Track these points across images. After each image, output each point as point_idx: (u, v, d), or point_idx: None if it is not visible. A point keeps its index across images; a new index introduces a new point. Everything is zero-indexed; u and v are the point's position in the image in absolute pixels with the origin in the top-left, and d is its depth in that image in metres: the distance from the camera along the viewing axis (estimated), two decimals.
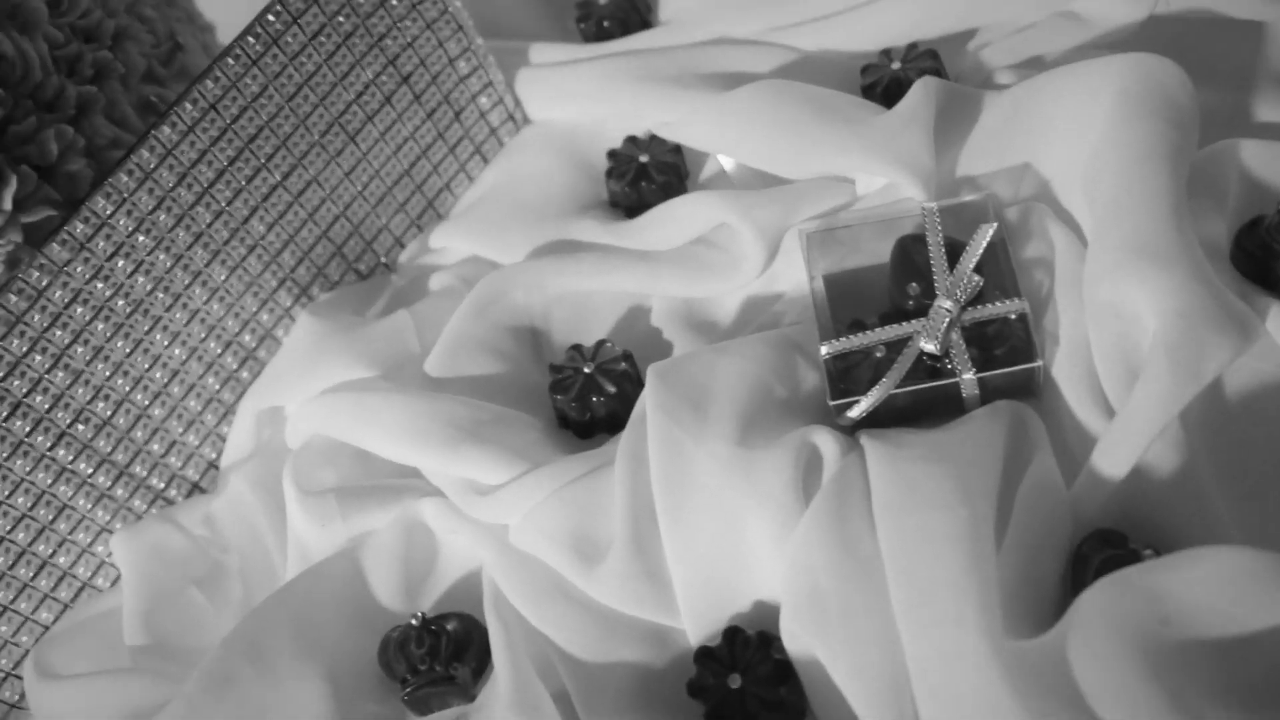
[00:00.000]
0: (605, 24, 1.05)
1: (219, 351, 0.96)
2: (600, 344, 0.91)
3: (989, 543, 0.73)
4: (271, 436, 0.98)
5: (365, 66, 0.95)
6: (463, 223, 1.02)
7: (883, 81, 0.95)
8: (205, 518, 0.96)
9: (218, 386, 0.97)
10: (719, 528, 0.80)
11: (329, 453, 0.92)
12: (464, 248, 1.01)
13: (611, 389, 0.89)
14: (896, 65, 0.95)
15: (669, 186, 0.97)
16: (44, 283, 0.86)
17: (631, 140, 0.99)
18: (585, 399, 0.89)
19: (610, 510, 0.83)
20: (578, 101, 1.02)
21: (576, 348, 0.91)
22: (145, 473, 0.96)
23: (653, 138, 0.99)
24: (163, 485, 0.97)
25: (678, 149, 0.98)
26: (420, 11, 0.96)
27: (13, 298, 0.85)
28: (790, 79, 0.96)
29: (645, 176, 0.97)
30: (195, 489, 0.99)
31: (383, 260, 1.03)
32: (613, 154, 0.99)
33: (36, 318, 0.86)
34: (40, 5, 0.90)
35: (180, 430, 0.96)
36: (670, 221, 0.93)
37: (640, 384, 0.91)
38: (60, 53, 0.92)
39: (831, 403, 0.82)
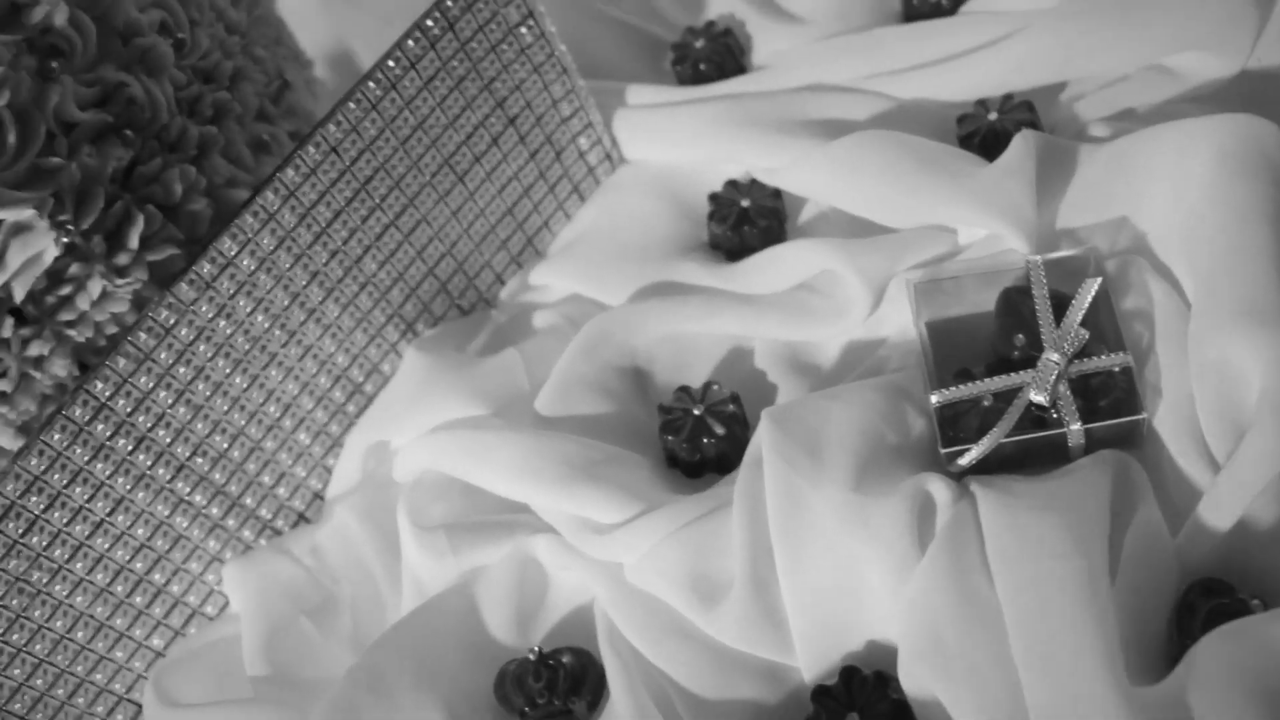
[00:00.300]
0: (701, 67, 1.08)
1: (328, 386, 0.99)
2: (708, 386, 0.94)
3: (1106, 591, 0.76)
4: (376, 469, 1.01)
5: (475, 109, 0.98)
6: (564, 261, 1.04)
7: (980, 132, 0.98)
8: (312, 548, 0.99)
9: (325, 419, 1.00)
10: (835, 571, 0.83)
11: (440, 488, 0.95)
12: (565, 286, 1.04)
13: (721, 431, 0.92)
14: (993, 116, 0.98)
15: (770, 230, 1.00)
16: (171, 321, 0.89)
17: (732, 184, 1.01)
18: (696, 440, 0.92)
19: (727, 551, 0.86)
20: (676, 144, 1.05)
21: (685, 389, 0.94)
22: (255, 504, 0.98)
23: (753, 182, 1.01)
24: (270, 516, 1.00)
25: (777, 193, 1.01)
26: (529, 55, 0.99)
27: (142, 335, 0.88)
28: (888, 127, 0.99)
29: (747, 220, 1.00)
30: (301, 519, 1.02)
31: (484, 296, 1.06)
32: (714, 197, 1.01)
33: (163, 355, 0.89)
34: (168, 49, 0.92)
35: (289, 462, 0.99)
36: (775, 266, 0.96)
37: (747, 425, 0.94)
38: (182, 94, 0.94)
39: (943, 450, 0.85)
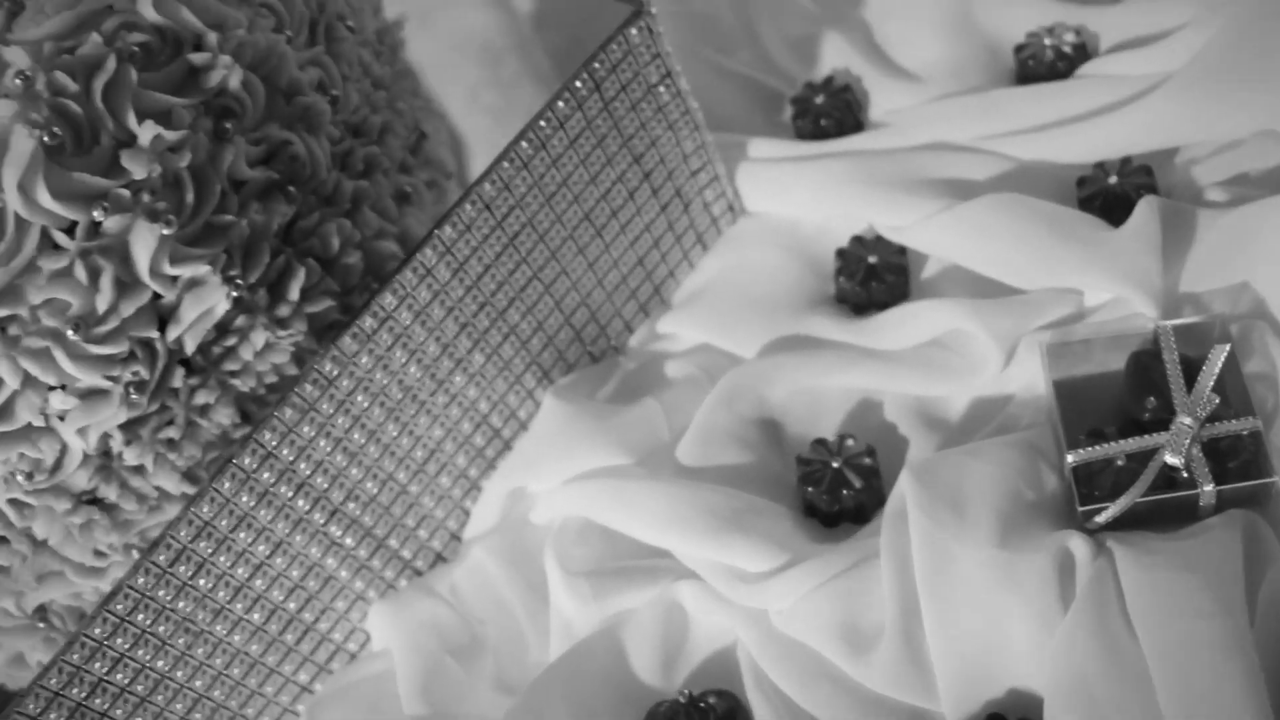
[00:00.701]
0: (822, 122, 1.12)
1: (469, 431, 1.02)
2: (843, 439, 0.98)
3: (1251, 650, 0.81)
4: (511, 510, 1.05)
5: (614, 165, 1.02)
6: (692, 311, 1.08)
7: (1100, 195, 1.02)
8: (451, 587, 1.03)
9: (465, 464, 1.03)
10: (980, 622, 0.87)
11: (583, 533, 0.99)
12: (694, 335, 1.07)
13: (859, 484, 0.96)
14: (1113, 180, 1.02)
15: (897, 286, 1.04)
16: (335, 373, 0.92)
17: (858, 240, 1.05)
18: (835, 491, 0.96)
19: (874, 602, 0.90)
20: (802, 198, 1.08)
21: (821, 442, 0.98)
22: (398, 545, 1.02)
23: (878, 238, 1.05)
24: (410, 556, 1.04)
25: (903, 250, 1.05)
26: (665, 113, 1.03)
27: (308, 387, 0.91)
28: (1008, 188, 1.03)
29: (875, 276, 1.04)
30: (438, 559, 1.05)
31: (613, 343, 1.10)
32: (841, 253, 1.05)
33: (325, 406, 0.93)
34: (325, 107, 0.95)
35: (431, 505, 1.03)
36: (907, 323, 1.00)
37: (881, 477, 0.98)
38: (336, 149, 0.98)
39: (1081, 509, 0.90)
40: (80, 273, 0.84)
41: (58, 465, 0.91)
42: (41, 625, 0.99)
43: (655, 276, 1.10)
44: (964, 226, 1.00)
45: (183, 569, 0.91)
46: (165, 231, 0.85)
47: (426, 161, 1.08)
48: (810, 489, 0.97)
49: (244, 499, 0.92)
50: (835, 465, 0.97)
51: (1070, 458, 0.91)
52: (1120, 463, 0.91)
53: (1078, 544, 0.88)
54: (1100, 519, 0.90)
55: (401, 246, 1.02)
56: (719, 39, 1.19)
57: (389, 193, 1.02)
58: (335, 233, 0.96)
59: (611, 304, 1.08)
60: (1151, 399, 0.92)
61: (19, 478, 0.90)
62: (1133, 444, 0.91)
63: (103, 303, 0.86)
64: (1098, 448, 0.91)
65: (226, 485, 0.90)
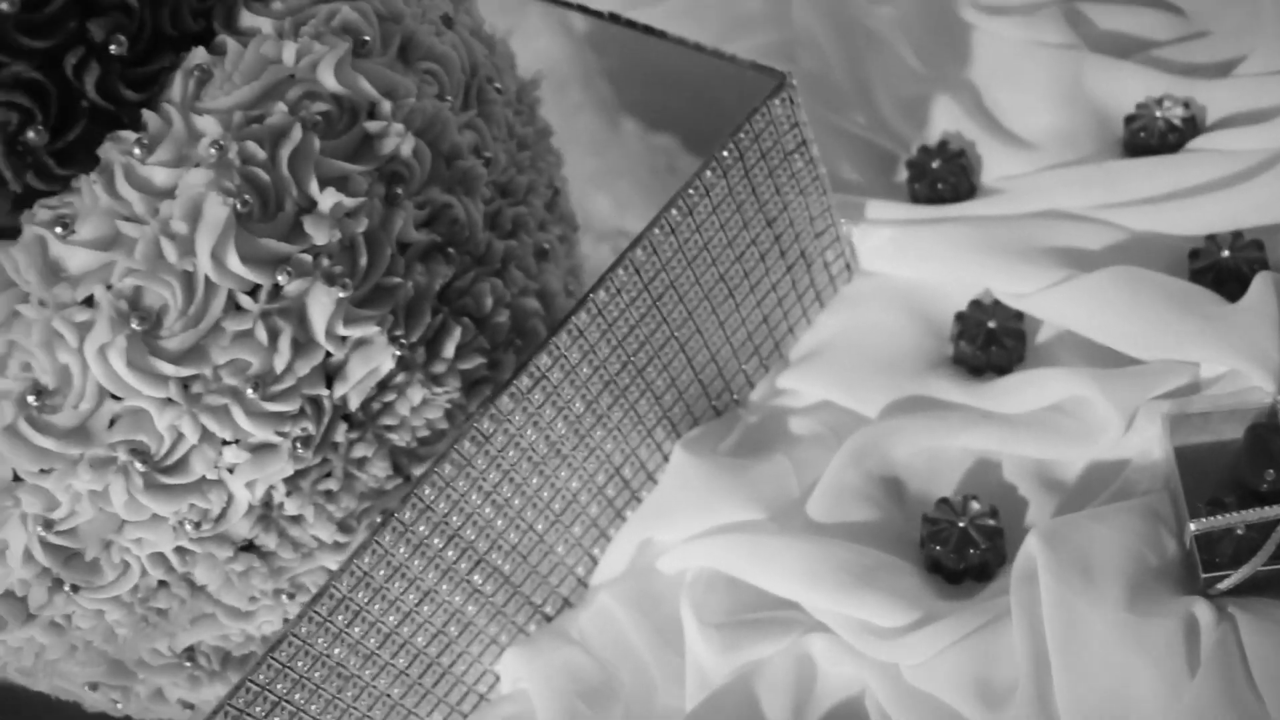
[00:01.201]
0: (939, 186, 1.16)
1: (603, 483, 1.06)
2: (967, 499, 1.03)
3: None
4: (638, 557, 1.09)
5: (750, 228, 1.06)
6: (814, 368, 1.13)
7: (1213, 268, 1.07)
8: (579, 632, 1.07)
9: (596, 513, 1.08)
10: (1111, 683, 0.92)
11: (716, 584, 1.04)
12: (816, 392, 1.12)
13: (984, 544, 1.01)
14: (1225, 254, 1.07)
15: (1014, 351, 1.09)
16: (491, 431, 0.96)
17: (976, 304, 1.10)
18: (961, 550, 1.01)
19: (1006, 659, 0.95)
20: (918, 261, 1.13)
21: (946, 501, 1.03)
22: (530, 591, 1.06)
23: (995, 302, 1.10)
24: (540, 601, 1.08)
25: (1019, 315, 1.10)
26: (797, 178, 1.07)
27: (466, 444, 0.95)
28: (1120, 258, 1.09)
29: (994, 341, 1.09)
30: (565, 604, 1.10)
31: (735, 397, 1.14)
32: (961, 317, 1.10)
33: (480, 462, 0.96)
34: (481, 170, 0.99)
35: (563, 552, 1.07)
36: (1028, 388, 1.05)
37: (1004, 536, 1.03)
38: (487, 209, 1.01)
39: (1203, 575, 0.95)
40: (261, 334, 0.88)
41: (223, 515, 0.94)
42: (188, 664, 1.03)
43: (776, 332, 1.14)
44: (1085, 297, 1.05)
45: (340, 617, 0.95)
46: (341, 294, 0.89)
47: (560, 217, 1.12)
48: (937, 547, 1.02)
49: (400, 550, 0.95)
50: (961, 525, 1.02)
51: (1193, 526, 0.96)
52: (1240, 532, 0.96)
53: (1202, 609, 0.93)
54: (1222, 586, 0.95)
55: (541, 302, 1.06)
56: (833, 98, 1.24)
57: (531, 250, 1.06)
58: (488, 292, 0.99)
59: (736, 359, 1.12)
60: (1270, 471, 0.97)
61: (186, 526, 0.93)
62: (1253, 515, 0.96)
63: (280, 362, 0.89)
64: (1219, 517, 0.96)
65: (387, 538, 0.94)
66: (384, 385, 0.96)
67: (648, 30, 1.11)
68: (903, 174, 1.20)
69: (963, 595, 1.02)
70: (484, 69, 1.04)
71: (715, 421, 1.13)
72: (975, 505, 1.03)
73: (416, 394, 0.97)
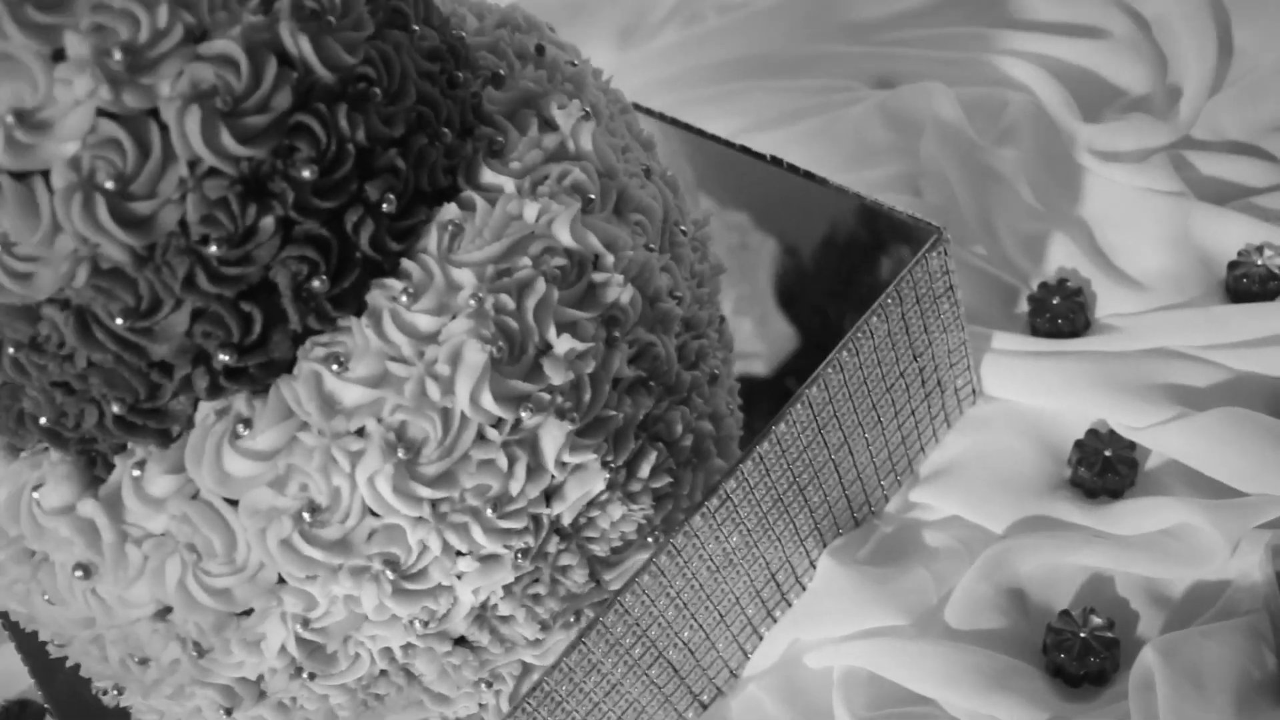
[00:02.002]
0: (1059, 321, 1.31)
1: (760, 585, 1.20)
2: (1086, 612, 1.17)
3: None
4: (785, 653, 1.23)
5: (900, 361, 1.20)
6: (945, 485, 1.27)
7: None
8: (730, 718, 1.21)
9: (752, 613, 1.21)
10: None
11: (863, 681, 1.17)
12: (947, 508, 1.26)
13: (1102, 653, 1.15)
14: None
15: (1127, 477, 1.23)
16: (683, 545, 1.09)
17: (1094, 433, 1.25)
18: (1083, 658, 1.16)
19: None
20: (1039, 391, 1.28)
21: (1067, 613, 1.17)
22: (693, 681, 1.19)
23: (1111, 433, 1.24)
24: (699, 690, 1.21)
25: (1132, 445, 1.24)
26: (943, 317, 1.21)
27: (663, 558, 1.08)
28: (1225, 396, 1.24)
29: (1110, 468, 1.23)
30: (719, 693, 1.23)
31: (871, 509, 1.28)
32: (1079, 445, 1.24)
33: (671, 572, 1.10)
34: (677, 310, 1.12)
35: (721, 647, 1.20)
36: (1142, 514, 1.20)
37: (1119, 646, 1.17)
38: (677, 343, 1.14)
39: None
40: (502, 461, 1.01)
41: (447, 615, 1.07)
42: None
43: (910, 450, 1.28)
44: (1195, 435, 1.20)
45: (544, 710, 1.08)
46: (569, 427, 1.02)
47: (726, 344, 1.25)
48: (1061, 654, 1.16)
49: (600, 648, 1.09)
50: (1082, 635, 1.16)
51: None
52: None
53: None
54: None
55: (712, 423, 1.19)
56: (958, 231, 1.38)
57: (706, 378, 1.19)
58: (678, 419, 1.13)
59: (876, 475, 1.26)
60: None
61: (416, 624, 1.06)
62: None
63: (515, 486, 1.02)
64: None
65: (592, 638, 1.07)
66: (590, 503, 1.09)
67: (809, 176, 1.25)
68: (1023, 306, 1.34)
69: (1082, 699, 1.16)
70: (673, 214, 1.17)
71: (856, 531, 1.27)
72: (1095, 619, 1.17)
73: (616, 510, 1.10)
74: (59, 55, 0.87)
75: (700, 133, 1.35)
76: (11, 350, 0.98)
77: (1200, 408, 1.23)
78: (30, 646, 1.23)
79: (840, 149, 1.45)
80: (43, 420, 0.99)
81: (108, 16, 0.87)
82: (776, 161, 1.26)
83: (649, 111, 1.39)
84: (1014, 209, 1.40)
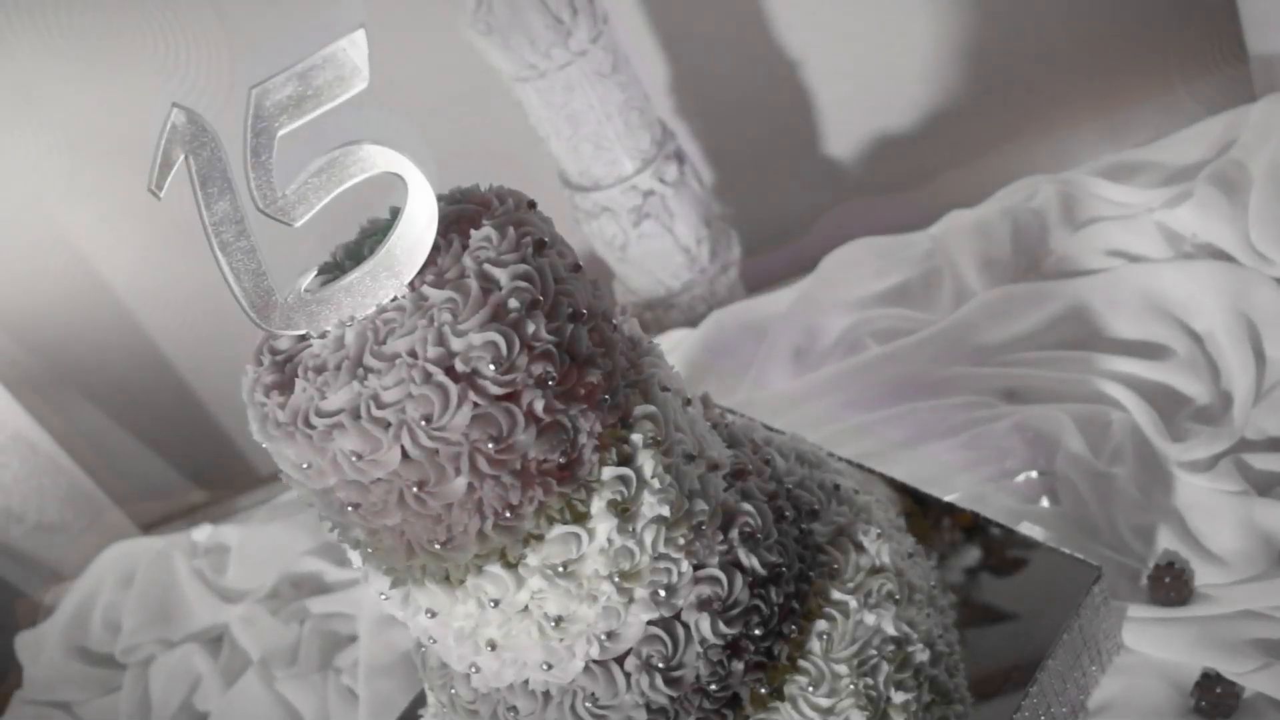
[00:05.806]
0: (1171, 594, 1.99)
1: None
2: None
3: None
4: None
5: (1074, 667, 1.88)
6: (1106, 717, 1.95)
7: None
8: None
9: None
10: None
11: None
12: None
13: None
14: None
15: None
16: None
17: (1207, 675, 1.93)
18: None
19: None
20: (1166, 649, 1.95)
21: None
22: None
23: (1218, 674, 1.93)
24: None
25: (1239, 693, 1.93)
26: (1109, 635, 1.89)
27: None
28: None
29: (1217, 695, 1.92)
30: None
31: None
32: (1198, 685, 1.93)
33: None
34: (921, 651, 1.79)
35: None
36: None
37: None
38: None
39: None
40: None
41: None
42: None
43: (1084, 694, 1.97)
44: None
45: None
46: None
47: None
48: None
49: None
50: None
51: None
52: None
53: None
54: None
55: None
56: (1089, 526, 2.06)
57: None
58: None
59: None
60: None
61: None
62: None
63: None
64: None
65: None
66: None
67: (988, 521, 1.92)
68: (1143, 582, 2.03)
69: None
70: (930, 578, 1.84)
71: None
72: None
73: None
74: None
75: (892, 481, 2.01)
76: None
77: None
78: None
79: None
80: None
81: None
82: (980, 519, 1.93)
83: (850, 462, 2.04)
84: (1118, 499, 2.08)
